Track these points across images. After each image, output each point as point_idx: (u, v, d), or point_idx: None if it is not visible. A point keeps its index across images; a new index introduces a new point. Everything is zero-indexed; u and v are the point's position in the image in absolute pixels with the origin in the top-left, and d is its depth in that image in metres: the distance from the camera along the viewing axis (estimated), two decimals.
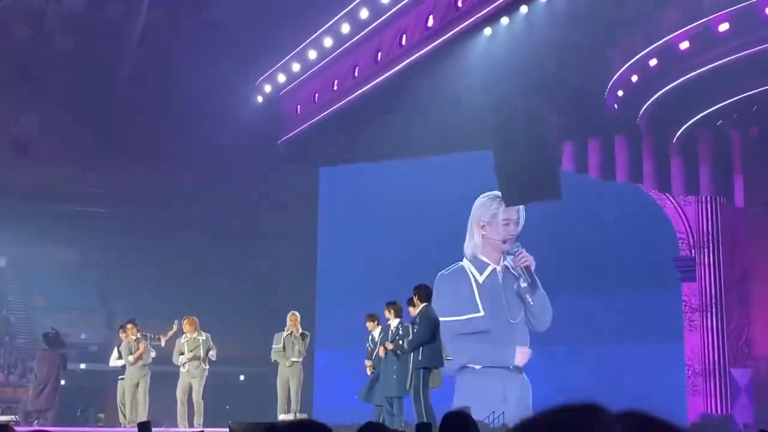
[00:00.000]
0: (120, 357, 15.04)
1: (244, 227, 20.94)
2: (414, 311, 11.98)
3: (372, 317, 13.31)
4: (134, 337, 14.89)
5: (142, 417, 13.95)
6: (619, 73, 16.60)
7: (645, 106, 16.64)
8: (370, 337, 13.24)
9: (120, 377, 15.13)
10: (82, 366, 20.57)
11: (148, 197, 21.46)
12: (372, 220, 19.66)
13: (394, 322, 12.62)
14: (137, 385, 14.89)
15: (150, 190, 21.41)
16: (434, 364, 11.89)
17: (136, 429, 10.09)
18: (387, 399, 12.34)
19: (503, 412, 16.28)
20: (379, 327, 13.10)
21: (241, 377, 20.80)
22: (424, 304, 11.89)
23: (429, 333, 11.78)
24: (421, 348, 11.77)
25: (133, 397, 14.80)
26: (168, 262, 21.09)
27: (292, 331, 14.26)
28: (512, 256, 18.48)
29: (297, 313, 14.47)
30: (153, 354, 15.14)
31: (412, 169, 19.33)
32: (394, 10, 18.01)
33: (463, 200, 19.14)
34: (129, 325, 14.95)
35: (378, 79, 18.35)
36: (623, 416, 1.57)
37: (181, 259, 21.11)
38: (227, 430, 11.44)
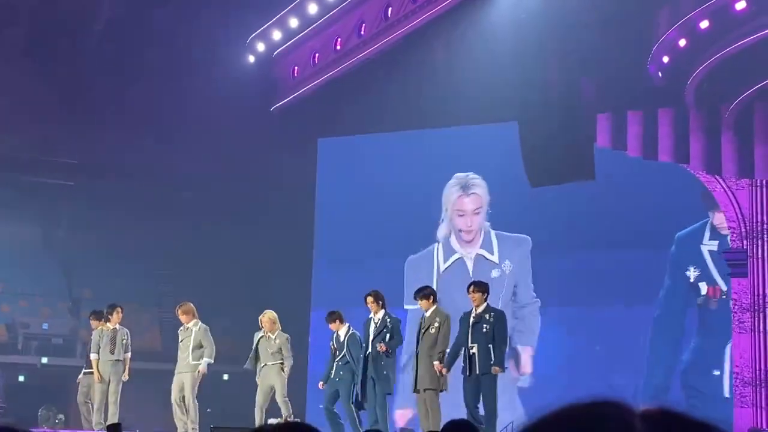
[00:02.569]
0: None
1: (232, 204, 20.09)
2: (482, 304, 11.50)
3: (333, 316, 12.69)
4: (113, 327, 13.77)
5: (113, 419, 13.22)
6: (664, 36, 15.85)
7: (694, 75, 15.86)
8: (335, 336, 12.66)
9: (85, 370, 14.16)
10: (44, 360, 19.62)
11: (123, 169, 20.57)
12: (377, 198, 18.69)
13: (377, 314, 11.96)
14: (107, 382, 13.83)
15: (125, 160, 20.46)
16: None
17: None
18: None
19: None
20: (345, 325, 12.63)
21: (225, 376, 19.83)
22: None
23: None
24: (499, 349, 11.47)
25: (102, 396, 13.81)
26: (144, 244, 20.30)
27: (261, 336, 13.33)
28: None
29: (268, 313, 13.37)
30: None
31: (423, 141, 18.48)
32: None
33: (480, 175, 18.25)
34: (118, 308, 13.91)
35: (387, 38, 17.99)
36: (648, 415, 1.44)
37: (159, 240, 20.28)
38: None
